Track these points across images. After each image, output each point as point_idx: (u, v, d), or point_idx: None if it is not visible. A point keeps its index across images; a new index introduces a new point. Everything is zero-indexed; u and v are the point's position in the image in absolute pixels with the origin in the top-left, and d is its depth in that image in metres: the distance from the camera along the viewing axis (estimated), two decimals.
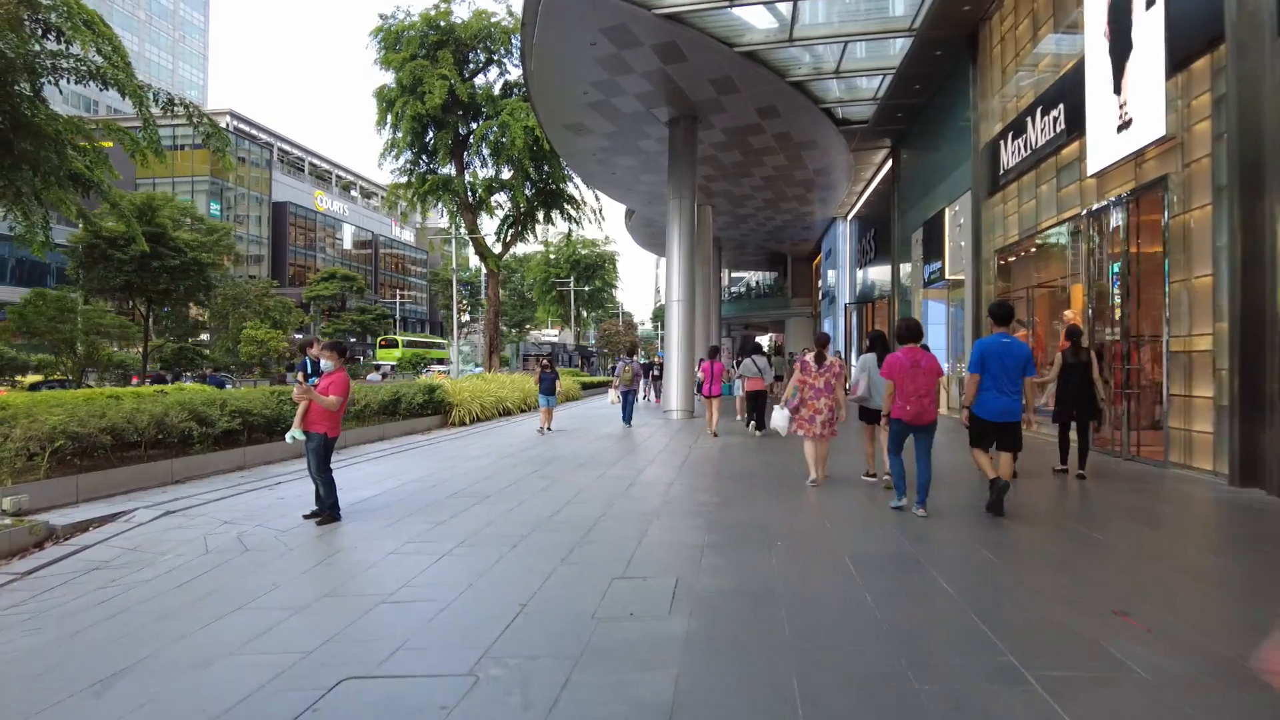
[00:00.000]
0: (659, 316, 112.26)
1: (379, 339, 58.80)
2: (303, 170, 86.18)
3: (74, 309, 21.01)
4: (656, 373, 22.12)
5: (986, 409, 6.31)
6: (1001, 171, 13.57)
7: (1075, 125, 10.60)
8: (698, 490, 7.86)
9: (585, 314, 78.86)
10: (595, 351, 75.57)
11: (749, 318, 51.74)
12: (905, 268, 21.35)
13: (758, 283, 52.09)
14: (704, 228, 28.06)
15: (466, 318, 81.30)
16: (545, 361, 14.34)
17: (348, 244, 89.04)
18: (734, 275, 57.40)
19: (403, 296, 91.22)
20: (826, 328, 36.72)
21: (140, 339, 27.13)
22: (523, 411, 21.31)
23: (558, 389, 14.53)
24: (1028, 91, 12.84)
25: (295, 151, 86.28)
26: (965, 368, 7.51)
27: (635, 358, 17.59)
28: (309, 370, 9.16)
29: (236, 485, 8.66)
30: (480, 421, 18.00)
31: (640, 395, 22.21)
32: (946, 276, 16.78)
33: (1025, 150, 12.47)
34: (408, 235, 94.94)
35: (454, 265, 39.76)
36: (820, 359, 7.89)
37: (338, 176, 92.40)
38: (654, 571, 4.89)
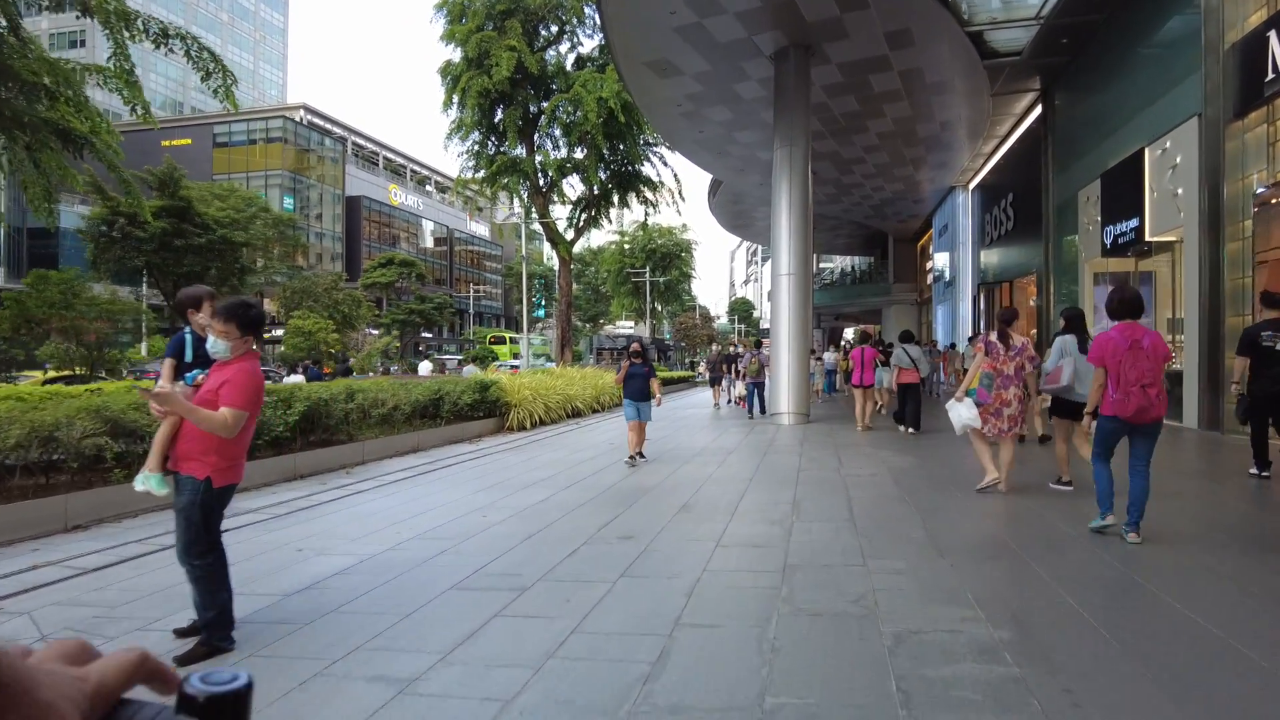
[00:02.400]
0: (735, 309, 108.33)
1: (488, 335, 56.66)
2: (377, 165, 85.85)
3: (81, 293, 18.81)
4: (741, 367, 18.05)
5: None
6: (1270, 75, 9.56)
7: None
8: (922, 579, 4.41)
9: (660, 307, 75.72)
10: (673, 345, 72.20)
11: (840, 307, 47.52)
12: (1065, 237, 17.23)
13: (852, 267, 47.79)
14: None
15: (541, 312, 79.33)
16: (634, 350, 9.21)
17: (426, 240, 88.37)
18: (822, 262, 53.27)
19: (478, 291, 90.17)
20: (940, 315, 32.38)
21: (160, 326, 25.27)
22: (595, 413, 18.14)
23: (655, 391, 9.21)
24: None
25: (369, 146, 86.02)
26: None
27: (762, 349, 16.14)
28: (182, 355, 4.29)
29: (149, 538, 5.69)
30: (544, 425, 14.91)
31: (722, 395, 19.24)
32: (1148, 238, 12.73)
33: None
34: (483, 230, 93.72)
35: (524, 252, 37.11)
36: (1006, 339, 6.60)
37: (412, 171, 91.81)
38: None
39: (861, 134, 20.58)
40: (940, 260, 32.18)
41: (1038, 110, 19.11)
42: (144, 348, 36.94)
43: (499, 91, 31.47)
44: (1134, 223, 13.09)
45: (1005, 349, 6.54)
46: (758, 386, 16.07)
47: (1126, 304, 4.97)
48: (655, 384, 8.98)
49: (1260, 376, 6.76)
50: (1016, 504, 6.35)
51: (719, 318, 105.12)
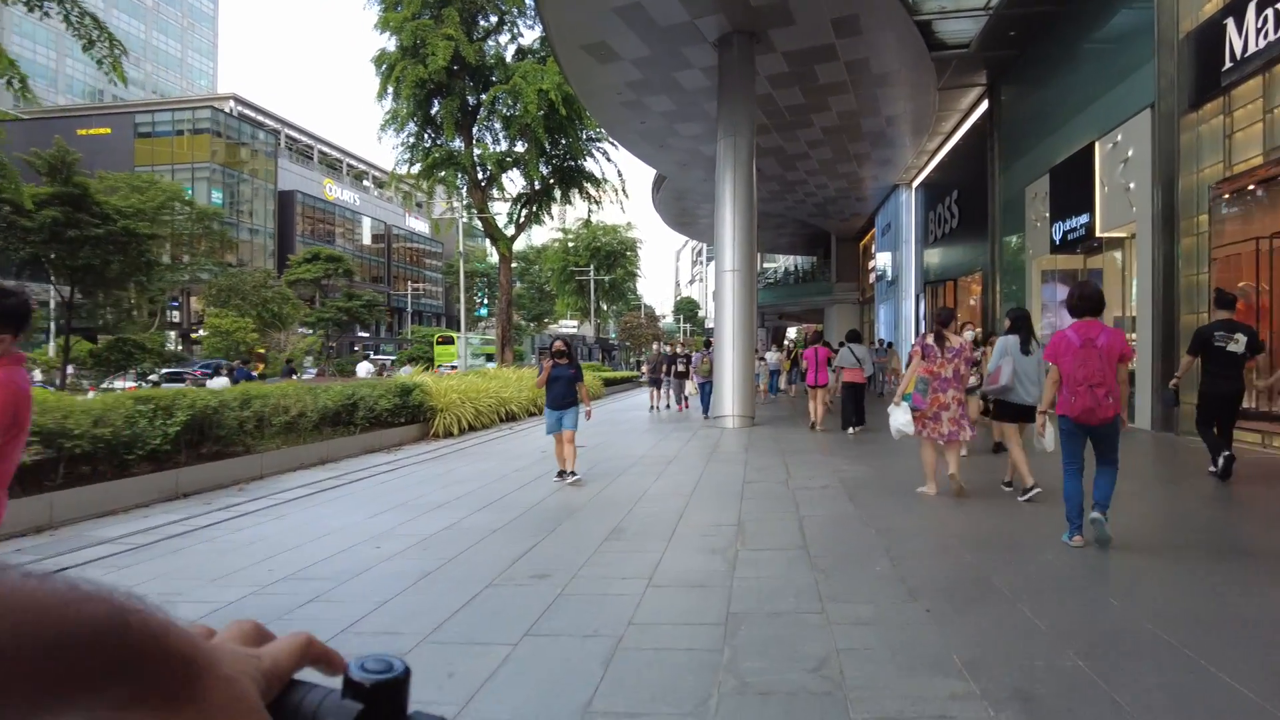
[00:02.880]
0: (681, 309, 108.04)
1: (436, 336, 54.70)
2: (312, 158, 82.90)
3: None
4: (681, 367, 17.20)
5: None
6: (1228, 65, 9.18)
7: None
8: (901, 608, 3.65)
9: (605, 306, 74.80)
10: (618, 345, 71.34)
11: (783, 306, 47.45)
12: (1012, 234, 16.95)
13: (796, 266, 47.69)
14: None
15: (484, 310, 77.54)
16: (558, 349, 7.80)
17: (365, 237, 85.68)
18: (766, 262, 53.12)
19: (418, 289, 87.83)
20: (883, 314, 32.26)
21: (63, 329, 23.13)
22: (532, 416, 17.18)
23: (582, 397, 7.82)
24: None
25: (304, 139, 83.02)
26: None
27: (711, 349, 15.25)
28: None
29: None
30: (474, 431, 13.89)
31: (661, 399, 18.14)
32: (1098, 234, 12.40)
33: None
34: (423, 226, 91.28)
35: (461, 248, 35.72)
36: (942, 340, 6.40)
37: (349, 165, 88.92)
38: None
39: (806, 128, 20.07)
40: (882, 259, 32.08)
41: (984, 106, 18.86)
42: (51, 348, 34.52)
43: (435, 82, 30.57)
44: (1084, 218, 12.75)
45: (942, 351, 6.38)
46: (708, 386, 15.60)
47: (1087, 300, 4.81)
48: (583, 390, 7.77)
49: (1212, 376, 6.78)
50: (982, 519, 5.70)
51: (665, 317, 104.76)
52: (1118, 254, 12.56)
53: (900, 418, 6.44)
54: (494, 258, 35.15)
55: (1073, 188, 13.26)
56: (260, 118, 76.65)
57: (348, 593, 4.33)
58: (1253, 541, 5.14)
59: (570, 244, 65.51)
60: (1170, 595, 3.88)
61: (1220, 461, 6.71)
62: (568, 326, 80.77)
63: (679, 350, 17.78)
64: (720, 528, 5.57)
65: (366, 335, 79.95)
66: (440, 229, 38.20)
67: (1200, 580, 4.12)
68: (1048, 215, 14.31)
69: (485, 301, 76.02)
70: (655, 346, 16.62)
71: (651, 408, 17.80)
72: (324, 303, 33.61)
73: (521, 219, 34.96)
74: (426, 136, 33.14)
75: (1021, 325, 6.55)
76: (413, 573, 4.67)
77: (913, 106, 18.61)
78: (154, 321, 44.47)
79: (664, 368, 17.64)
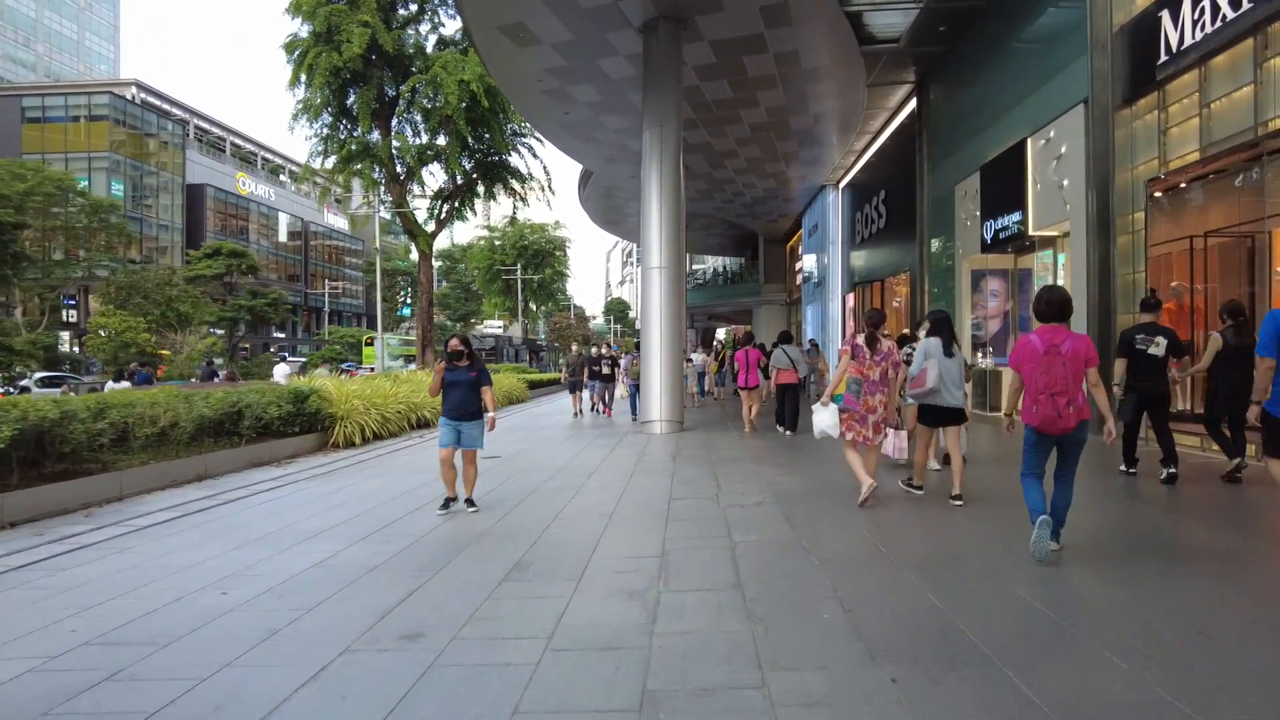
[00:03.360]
0: (612, 310, 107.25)
1: (365, 338, 52.06)
2: (224, 150, 78.79)
3: None
4: (605, 370, 16.08)
5: None
6: (1164, 59, 8.91)
7: None
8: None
9: (535, 307, 73.41)
10: (546, 346, 70.05)
11: (712, 307, 47.17)
12: (940, 233, 16.75)
13: (724, 267, 47.52)
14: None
15: (407, 311, 75.06)
16: (453, 348, 6.50)
17: (282, 233, 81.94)
18: (695, 264, 52.89)
19: (336, 288, 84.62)
20: (810, 315, 32.15)
21: None
22: None
23: (488, 405, 6.57)
24: None
25: (215, 130, 78.82)
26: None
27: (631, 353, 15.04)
28: None
29: None
30: (380, 440, 12.75)
31: (588, 403, 16.88)
32: (1031, 232, 12.14)
33: (1230, 9, 7.83)
34: (343, 223, 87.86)
35: (378, 244, 34.07)
36: (874, 342, 6.21)
37: (264, 159, 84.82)
38: None
39: (735, 124, 19.53)
40: (809, 260, 31.97)
41: (912, 104, 18.66)
42: None
43: (351, 71, 29.18)
44: (1016, 216, 12.49)
45: (872, 353, 6.17)
46: (638, 390, 14.60)
47: (1054, 306, 4.62)
48: (489, 396, 6.55)
49: (1136, 378, 6.89)
50: (930, 538, 5.08)
51: (595, 318, 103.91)
52: (1049, 253, 12.33)
53: (825, 419, 6.29)
54: (417, 256, 33.59)
55: (1004, 186, 13.01)
56: (167, 106, 72.40)
57: (161, 665, 3.35)
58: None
59: (497, 242, 63.94)
60: (1176, 643, 3.26)
61: (1133, 467, 7.22)
62: (492, 326, 78.93)
63: (603, 351, 16.56)
64: (640, 561, 4.76)
65: (282, 336, 76.45)
66: (357, 224, 36.36)
67: (1206, 619, 3.52)
68: (978, 214, 14.07)
69: (408, 301, 73.55)
70: (575, 348, 15.52)
71: (575, 413, 16.44)
72: (226, 301, 31.29)
73: (443, 215, 33.81)
74: (342, 128, 31.77)
75: (942, 327, 6.43)
76: (255, 631, 3.71)
77: (841, 104, 18.27)
78: (43, 320, 41.09)
79: (586, 370, 16.29)
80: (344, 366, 44.15)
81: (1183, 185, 9.04)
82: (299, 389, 11.84)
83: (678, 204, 13.19)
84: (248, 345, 41.44)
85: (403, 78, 29.74)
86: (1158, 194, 9.37)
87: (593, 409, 17.01)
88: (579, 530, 5.65)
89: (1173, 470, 6.74)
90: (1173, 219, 9.26)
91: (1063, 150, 11.10)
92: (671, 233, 13.02)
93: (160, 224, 65.75)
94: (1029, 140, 12.15)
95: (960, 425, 6.44)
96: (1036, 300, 4.76)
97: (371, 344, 46.81)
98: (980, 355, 14.38)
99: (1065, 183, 11.03)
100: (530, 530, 5.69)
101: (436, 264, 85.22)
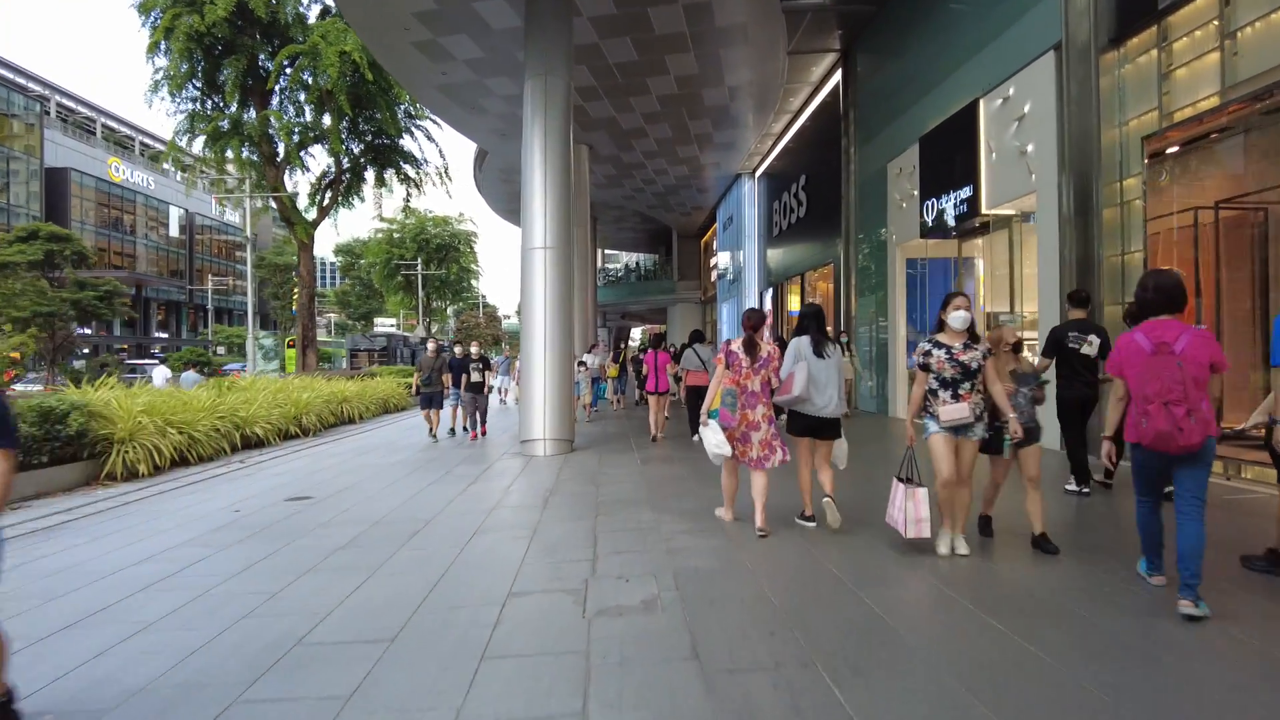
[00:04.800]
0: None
1: (288, 340, 47.02)
2: (94, 133, 71.57)
3: None
4: (476, 376, 12.25)
5: None
6: None
7: None
8: None
9: (444, 305, 69.41)
10: (447, 346, 66.39)
11: (626, 305, 44.94)
12: (870, 219, 14.87)
13: (638, 264, 45.39)
14: (580, 175, 20.77)
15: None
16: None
17: (172, 226, 75.21)
18: (607, 257, 50.55)
19: (225, 285, 78.60)
20: (725, 313, 30.22)
21: None
22: (291, 439, 13.18)
23: None
24: None
25: (84, 110, 71.50)
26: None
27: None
28: None
29: None
30: (181, 468, 9.82)
31: (447, 422, 13.16)
32: (985, 210, 10.24)
33: None
34: (235, 216, 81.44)
35: (250, 233, 30.16)
36: (752, 347, 5.36)
37: (144, 145, 77.52)
38: None
39: (641, 96, 17.19)
40: (724, 255, 30.10)
41: (837, 77, 16.77)
42: None
43: (217, 37, 25.84)
44: (965, 192, 10.59)
45: (751, 360, 5.38)
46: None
47: (1164, 293, 3.75)
48: None
49: (1067, 380, 6.38)
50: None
51: (510, 317, 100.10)
52: (1004, 235, 10.46)
53: (712, 438, 5.32)
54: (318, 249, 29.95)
55: (949, 158, 11.12)
56: (21, 80, 65.07)
57: None
58: None
59: (395, 235, 59.73)
60: None
61: (1076, 484, 6.47)
62: (385, 326, 74.52)
63: (473, 352, 12.66)
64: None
65: (165, 336, 70.04)
66: (238, 212, 32.35)
67: None
68: (916, 193, 12.18)
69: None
70: (430, 346, 12.49)
71: (431, 436, 12.47)
72: (45, 294, 26.80)
73: (325, 202, 30.59)
74: (211, 103, 28.42)
75: (812, 323, 5.55)
76: None
77: (759, 75, 16.16)
78: None
79: (447, 379, 12.36)
80: (229, 369, 39.54)
81: (1208, 136, 7.19)
82: (50, 404, 8.76)
83: (566, 171, 10.72)
84: (85, 348, 35.68)
85: (283, 47, 26.72)
86: (1162, 151, 7.51)
87: (465, 429, 13.10)
88: (329, 678, 3.11)
89: (1085, 489, 6.40)
90: (1184, 184, 7.40)
91: (1025, 109, 9.20)
92: (559, 205, 10.54)
93: (12, 209, 58.85)
94: (981, 102, 10.27)
95: (834, 439, 5.48)
96: (1140, 287, 3.91)
97: (291, 347, 42.08)
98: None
99: (1029, 148, 9.14)
100: (241, 673, 3.11)
101: (336, 259, 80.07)
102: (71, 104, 71.11)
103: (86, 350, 49.19)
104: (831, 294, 17.70)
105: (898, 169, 13.08)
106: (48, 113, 65.87)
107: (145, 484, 8.81)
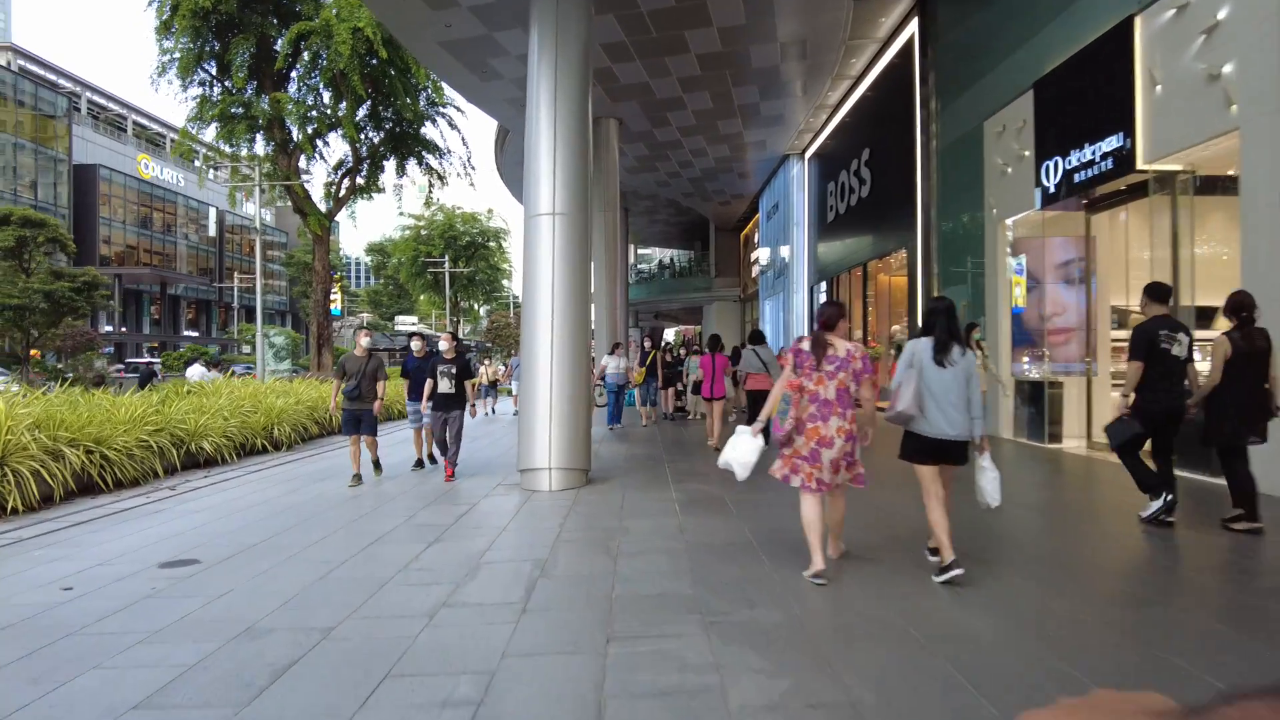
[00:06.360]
0: None
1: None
2: (125, 130, 71.28)
3: None
4: (449, 386, 8.39)
5: None
6: None
7: None
8: None
9: (474, 304, 67.65)
10: (474, 347, 64.50)
11: (659, 304, 42.49)
12: (956, 192, 12.25)
13: (672, 260, 43.00)
14: (609, 153, 18.41)
15: (337, 310, 68.62)
16: None
17: (210, 227, 74.92)
18: (639, 256, 48.14)
19: (250, 283, 77.84)
20: (768, 311, 27.58)
21: None
22: (251, 455, 10.95)
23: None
24: None
25: (115, 107, 71.17)
26: None
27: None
28: None
29: None
30: (88, 496, 7.62)
31: (425, 447, 9.55)
32: (1142, 164, 7.60)
33: None
34: (267, 212, 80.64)
35: (259, 224, 28.47)
36: (821, 346, 4.35)
37: (174, 141, 77.09)
38: None
39: (679, 55, 14.70)
40: (768, 247, 27.50)
41: (909, 30, 14.10)
42: None
43: (224, 14, 24.34)
44: (1112, 142, 7.93)
45: (820, 361, 4.30)
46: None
47: None
48: None
49: (1157, 387, 5.29)
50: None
51: None
52: (1166, 199, 7.79)
53: (743, 450, 4.33)
54: (350, 249, 28.09)
55: (1083, 100, 8.48)
56: (52, 76, 64.83)
57: None
58: None
59: (423, 231, 57.99)
60: None
61: (1163, 502, 5.33)
62: (406, 323, 72.90)
63: (444, 349, 8.66)
64: None
65: (195, 335, 69.47)
66: (234, 197, 30.65)
67: None
68: (1029, 153, 9.55)
69: (336, 299, 66.92)
70: (365, 341, 8.76)
71: (417, 461, 9.43)
72: (15, 283, 25.06)
73: (341, 192, 28.90)
74: (219, 85, 26.97)
75: (940, 322, 4.34)
76: None
77: (816, 26, 13.61)
78: None
79: (415, 387, 9.20)
80: (239, 370, 37.90)
81: None
82: None
83: (582, 122, 8.28)
84: (66, 339, 33.90)
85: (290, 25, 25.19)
86: None
87: (428, 458, 9.55)
88: None
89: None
90: None
91: (1220, 14, 6.54)
92: (571, 163, 8.10)
93: (41, 205, 58.24)
94: (1137, 19, 7.61)
95: (957, 466, 4.35)
96: None
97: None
98: (1029, 361, 9.89)
99: (1225, 69, 6.48)
100: None
101: (368, 258, 78.90)
102: (103, 100, 70.95)
103: (109, 348, 48.10)
104: (892, 287, 15.07)
105: (999, 127, 10.44)
106: (78, 109, 65.58)
107: (22, 521, 6.59)
